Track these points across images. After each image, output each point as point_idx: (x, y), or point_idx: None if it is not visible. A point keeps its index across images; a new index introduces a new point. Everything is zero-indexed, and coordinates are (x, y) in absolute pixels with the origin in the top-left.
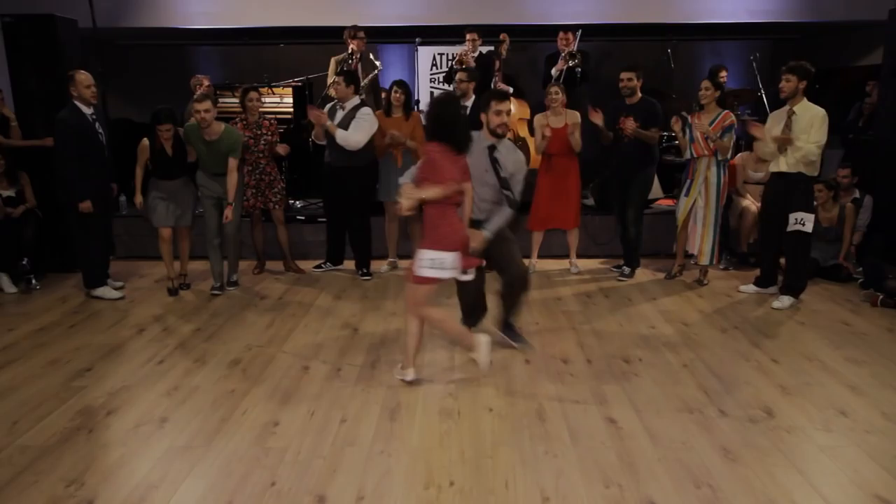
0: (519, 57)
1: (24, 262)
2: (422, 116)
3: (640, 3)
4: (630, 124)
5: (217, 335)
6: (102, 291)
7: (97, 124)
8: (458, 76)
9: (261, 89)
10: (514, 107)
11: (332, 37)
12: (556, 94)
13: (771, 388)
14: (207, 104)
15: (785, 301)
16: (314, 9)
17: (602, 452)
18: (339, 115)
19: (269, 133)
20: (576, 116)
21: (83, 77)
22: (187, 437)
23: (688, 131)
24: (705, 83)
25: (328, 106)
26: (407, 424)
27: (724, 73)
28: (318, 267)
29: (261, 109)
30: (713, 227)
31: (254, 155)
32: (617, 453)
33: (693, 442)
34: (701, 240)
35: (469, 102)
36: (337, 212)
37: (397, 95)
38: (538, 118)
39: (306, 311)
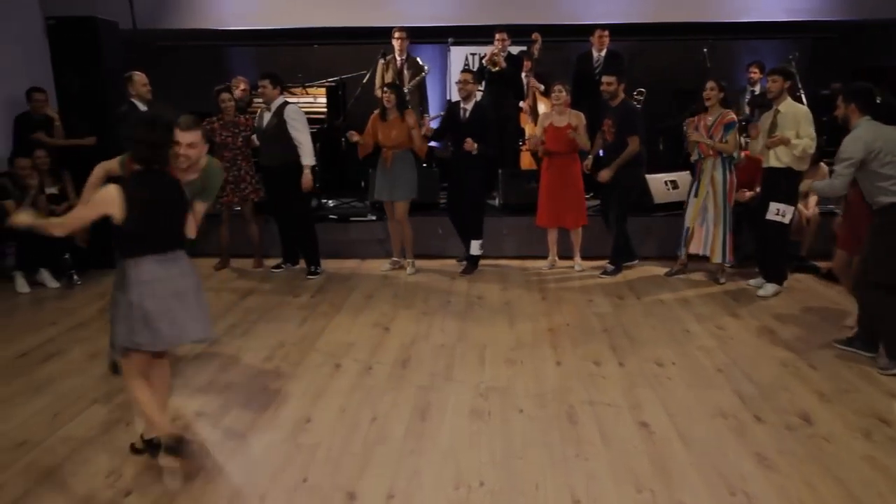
0: (551, 56)
1: (66, 258)
2: (426, 117)
3: (675, 2)
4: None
5: (251, 332)
6: None
7: None
8: (461, 77)
9: (294, 89)
10: (545, 106)
11: (365, 38)
12: (560, 92)
13: (808, 395)
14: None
15: (769, 289)
16: (347, 9)
17: (634, 456)
18: (267, 116)
19: (247, 129)
20: (579, 117)
21: (139, 77)
22: (221, 432)
23: (692, 132)
24: (710, 83)
25: (259, 110)
26: (437, 424)
27: (757, 69)
28: (277, 267)
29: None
30: (723, 226)
31: (232, 152)
32: (649, 458)
33: (727, 448)
34: (713, 239)
35: (470, 105)
36: (278, 212)
37: (387, 96)
38: (542, 117)
39: (338, 310)
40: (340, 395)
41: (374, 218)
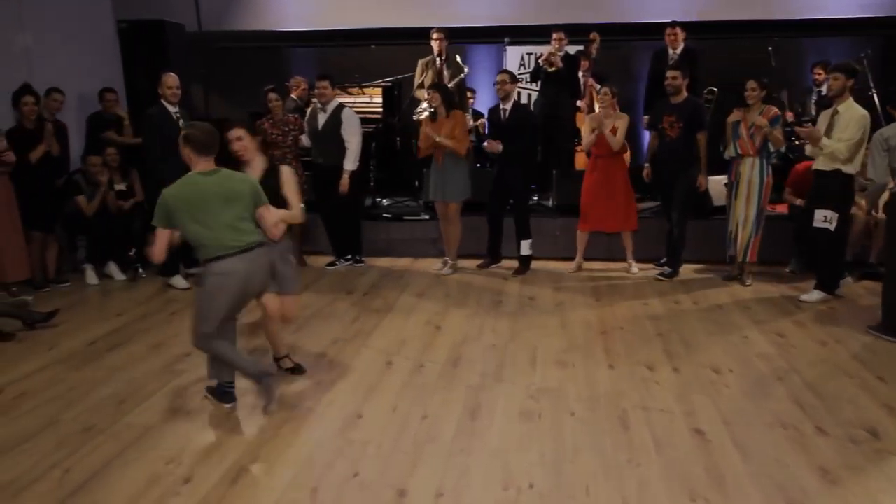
0: (610, 56)
1: (132, 252)
2: (468, 116)
3: None
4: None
5: (305, 327)
6: (175, 281)
7: (181, 121)
8: (498, 77)
9: (351, 89)
10: None
11: (421, 38)
12: (607, 94)
13: (876, 408)
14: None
15: (814, 295)
16: (404, 10)
17: (688, 464)
18: (322, 117)
19: (296, 128)
20: (624, 119)
21: (168, 79)
22: (276, 424)
23: (731, 130)
24: (751, 83)
25: (310, 108)
26: (487, 424)
27: (822, 69)
28: (331, 265)
29: (355, 108)
30: (753, 225)
31: (281, 150)
32: (704, 466)
33: (787, 459)
34: (740, 240)
35: (509, 105)
36: (329, 209)
37: (432, 96)
38: (588, 118)
39: (391, 308)
40: (392, 393)
41: (427, 217)
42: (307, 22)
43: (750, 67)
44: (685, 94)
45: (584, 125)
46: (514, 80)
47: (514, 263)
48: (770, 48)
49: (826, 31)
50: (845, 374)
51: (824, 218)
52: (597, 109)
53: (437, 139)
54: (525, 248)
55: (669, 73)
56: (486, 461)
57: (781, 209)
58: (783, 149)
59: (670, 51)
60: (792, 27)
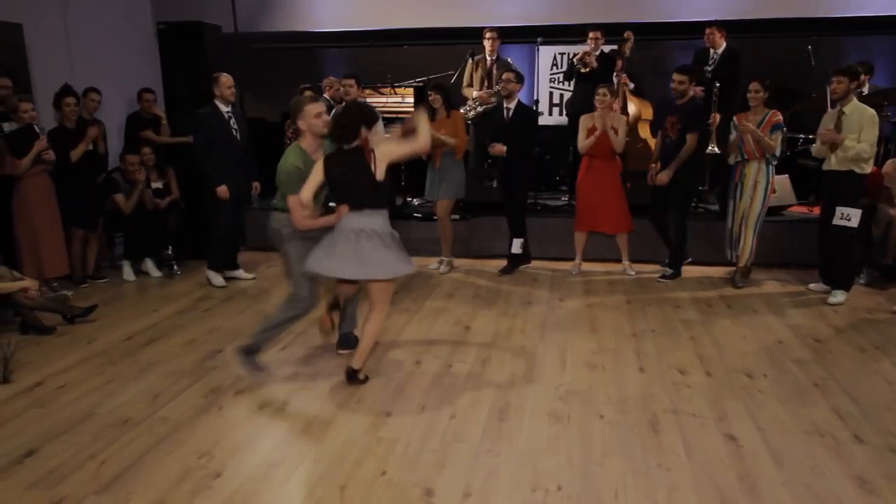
0: (643, 55)
1: (167, 250)
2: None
3: None
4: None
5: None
6: (212, 276)
7: (232, 121)
8: (504, 76)
9: (383, 89)
10: (636, 106)
11: (453, 38)
12: (605, 95)
13: None
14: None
15: (839, 296)
16: (436, 10)
17: (720, 470)
18: None
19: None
20: (622, 120)
21: (226, 79)
22: (306, 421)
23: (735, 133)
24: (754, 85)
25: (334, 109)
26: (515, 425)
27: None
28: None
29: (388, 109)
30: (754, 228)
31: None
32: (737, 473)
33: (823, 468)
34: (743, 241)
35: (513, 104)
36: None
37: (434, 97)
38: (584, 119)
39: (420, 307)
40: (420, 392)
41: (456, 217)
42: (340, 23)
43: (786, 67)
44: (690, 94)
45: (580, 126)
46: (518, 79)
47: (543, 264)
48: (809, 47)
49: (869, 29)
50: (885, 382)
51: (842, 215)
52: (631, 110)
53: (440, 137)
54: (516, 246)
55: (676, 77)
56: (514, 462)
57: (818, 211)
58: (777, 153)
59: (711, 51)
60: (834, 25)
